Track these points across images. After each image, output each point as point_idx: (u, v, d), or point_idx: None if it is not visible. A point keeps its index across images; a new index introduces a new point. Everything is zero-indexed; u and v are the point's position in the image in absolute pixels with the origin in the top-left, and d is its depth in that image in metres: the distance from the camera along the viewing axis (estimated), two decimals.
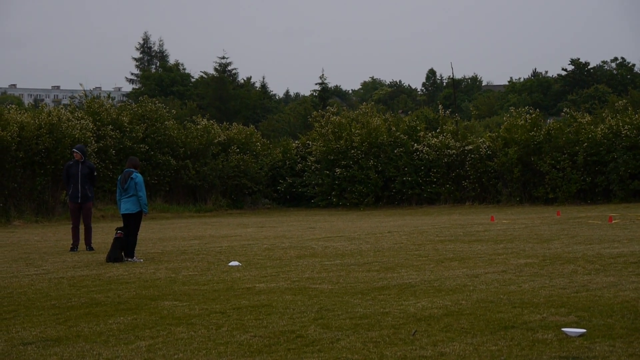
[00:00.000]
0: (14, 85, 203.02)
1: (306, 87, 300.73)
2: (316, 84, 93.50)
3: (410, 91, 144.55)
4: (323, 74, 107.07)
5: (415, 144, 48.04)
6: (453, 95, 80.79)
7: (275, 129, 78.91)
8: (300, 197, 50.80)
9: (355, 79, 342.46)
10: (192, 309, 12.80)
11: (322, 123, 49.87)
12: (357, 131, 48.20)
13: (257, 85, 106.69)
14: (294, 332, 10.91)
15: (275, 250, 22.40)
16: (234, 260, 19.39)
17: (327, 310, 12.41)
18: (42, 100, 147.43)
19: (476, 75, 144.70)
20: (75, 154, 23.47)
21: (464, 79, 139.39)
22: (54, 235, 30.19)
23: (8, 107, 42.69)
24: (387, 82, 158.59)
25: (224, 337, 10.68)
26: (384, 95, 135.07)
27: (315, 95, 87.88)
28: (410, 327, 10.97)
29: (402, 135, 48.23)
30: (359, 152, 47.73)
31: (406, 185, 47.55)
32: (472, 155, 46.85)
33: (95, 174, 23.69)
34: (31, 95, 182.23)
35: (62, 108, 43.65)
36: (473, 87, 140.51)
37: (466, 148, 47.18)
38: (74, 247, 23.16)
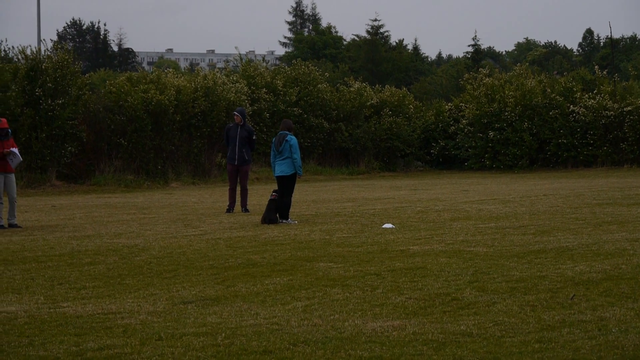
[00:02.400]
0: (171, 49, 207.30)
1: (459, 49, 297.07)
2: (469, 45, 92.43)
3: (565, 52, 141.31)
4: (476, 36, 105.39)
5: (571, 106, 47.03)
6: (611, 56, 78.60)
7: (428, 91, 78.24)
8: (453, 160, 50.42)
9: (509, 40, 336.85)
10: (347, 271, 12.86)
11: (475, 85, 49.31)
12: (510, 93, 47.47)
13: (409, 47, 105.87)
14: (449, 294, 10.85)
15: (428, 212, 22.32)
16: (388, 223, 19.39)
17: (482, 273, 12.30)
18: (198, 64, 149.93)
19: (635, 35, 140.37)
20: (235, 117, 23.79)
21: (622, 39, 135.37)
22: (210, 197, 30.77)
23: (165, 71, 43.59)
24: (542, 42, 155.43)
25: (379, 299, 10.70)
26: (538, 57, 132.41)
27: (467, 57, 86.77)
28: (568, 291, 10.78)
29: (557, 97, 47.26)
30: (512, 114, 47.03)
31: (561, 148, 46.64)
32: (631, 117, 45.60)
33: (254, 137, 23.95)
34: (187, 59, 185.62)
35: (217, 72, 44.34)
36: (632, 46, 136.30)
37: (625, 109, 45.94)
38: (230, 209, 23.54)
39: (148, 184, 37.78)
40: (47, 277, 12.96)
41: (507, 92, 47.65)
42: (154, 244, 16.64)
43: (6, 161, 20.34)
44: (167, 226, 20.22)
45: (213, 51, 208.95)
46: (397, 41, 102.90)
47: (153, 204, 27.46)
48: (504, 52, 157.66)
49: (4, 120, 20.76)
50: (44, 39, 40.03)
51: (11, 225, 20.31)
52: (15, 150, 20.38)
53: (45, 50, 37.72)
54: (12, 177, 20.72)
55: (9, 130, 20.66)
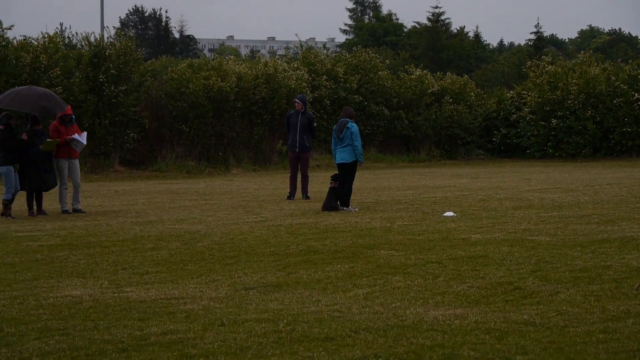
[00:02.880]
0: (231, 36, 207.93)
1: (521, 37, 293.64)
2: (531, 33, 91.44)
3: (630, 39, 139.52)
4: (538, 23, 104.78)
5: (636, 94, 46.36)
6: None
7: (489, 79, 77.73)
8: (515, 148, 50.01)
9: (572, 27, 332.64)
10: (408, 259, 12.84)
11: (537, 73, 48.85)
12: (573, 81, 46.95)
13: (471, 34, 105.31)
14: (511, 283, 10.78)
15: (490, 201, 22.18)
16: (449, 211, 19.31)
17: (545, 262, 12.21)
18: (258, 51, 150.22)
19: None
20: (296, 104, 23.82)
21: None
22: (270, 183, 30.88)
23: (227, 58, 43.78)
24: (606, 30, 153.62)
25: (441, 287, 10.67)
26: (602, 44, 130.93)
27: (530, 45, 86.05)
28: (633, 282, 10.66)
29: (622, 85, 46.60)
30: (575, 102, 46.51)
31: (626, 137, 46.02)
32: None
33: (315, 124, 23.96)
34: (247, 46, 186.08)
35: (278, 59, 44.45)
36: None
37: None
38: (291, 196, 23.59)
39: (209, 170, 38.03)
40: (110, 262, 13.11)
41: (570, 79, 47.14)
42: (216, 230, 16.74)
43: (70, 147, 20.59)
44: (228, 212, 20.33)
45: (273, 38, 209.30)
46: (459, 28, 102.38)
47: (214, 190, 27.63)
48: (566, 40, 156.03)
49: (68, 106, 21.02)
50: (107, 26, 40.52)
51: (75, 211, 20.56)
52: (77, 136, 20.55)
53: (108, 38, 38.14)
54: (76, 162, 20.96)
55: (73, 117, 20.93)
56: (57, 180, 20.61)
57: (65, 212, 20.45)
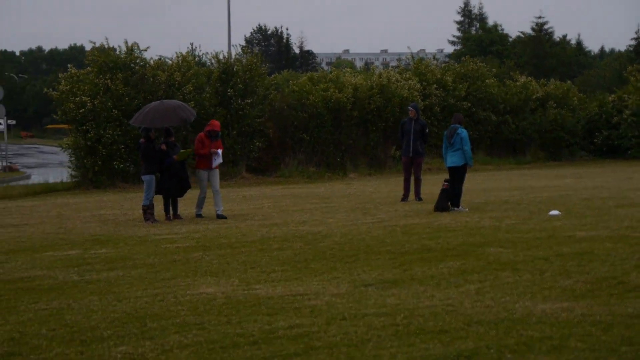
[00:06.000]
0: (347, 50, 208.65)
1: (621, 42, 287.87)
2: (632, 39, 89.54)
3: None
4: (639, 29, 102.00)
5: None
6: None
7: (591, 84, 76.24)
8: (616, 149, 48.99)
9: None
10: (516, 256, 12.70)
11: (638, 77, 47.77)
12: None
13: (573, 42, 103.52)
14: (615, 278, 10.58)
15: (593, 200, 21.77)
16: (554, 210, 19.02)
17: None
18: (372, 63, 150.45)
19: None
20: (410, 112, 23.75)
21: None
22: (385, 187, 30.84)
23: (343, 70, 43.94)
24: None
25: (548, 282, 10.53)
26: None
27: (630, 50, 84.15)
28: None
29: None
30: None
31: None
32: None
33: (427, 131, 23.84)
34: (362, 59, 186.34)
35: (391, 70, 44.42)
36: None
37: None
38: (405, 198, 23.54)
39: (328, 175, 38.18)
40: (240, 261, 13.28)
41: None
42: (336, 231, 16.80)
43: (211, 160, 20.67)
44: (347, 214, 20.38)
45: (386, 51, 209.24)
46: (561, 37, 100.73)
47: (334, 194, 27.72)
48: None
49: (216, 123, 21.01)
50: (234, 45, 41.09)
51: (218, 217, 20.39)
52: (219, 151, 20.69)
53: (235, 55, 38.66)
54: (216, 171, 20.89)
55: (219, 133, 20.97)
56: (191, 186, 20.92)
57: (198, 216, 20.68)
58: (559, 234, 14.99)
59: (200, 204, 20.85)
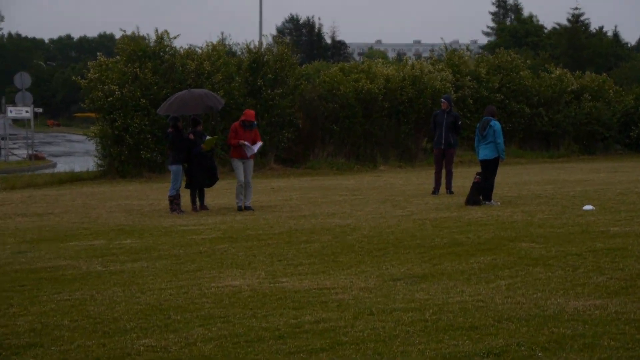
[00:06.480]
0: (379, 41, 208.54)
1: None
2: None
3: None
4: None
5: None
6: None
7: (628, 76, 75.59)
8: None
9: None
10: (548, 251, 12.58)
11: None
12: None
13: (609, 34, 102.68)
14: None
15: (628, 194, 21.56)
16: (588, 204, 18.86)
17: None
18: (405, 54, 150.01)
19: None
20: (442, 103, 23.64)
21: None
22: (416, 179, 30.73)
23: (375, 61, 43.79)
24: None
25: (581, 279, 10.42)
26: None
27: None
28: None
29: None
30: None
31: None
32: None
33: (460, 123, 23.70)
34: (394, 49, 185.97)
35: (424, 61, 44.22)
36: None
37: None
38: (436, 191, 23.44)
39: (358, 167, 38.09)
40: (267, 254, 13.25)
41: None
42: (365, 224, 16.74)
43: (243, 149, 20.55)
44: (376, 207, 20.31)
45: (419, 42, 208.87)
46: (597, 28, 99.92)
47: (363, 186, 27.65)
48: None
49: (251, 112, 20.85)
50: (265, 34, 41.01)
51: (246, 208, 20.37)
52: (248, 144, 20.41)
53: (266, 45, 38.63)
54: (250, 162, 20.78)
55: (254, 122, 20.78)
56: (219, 177, 20.94)
57: (240, 208, 20.42)
58: (592, 229, 14.85)
59: (239, 193, 20.69)
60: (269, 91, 36.34)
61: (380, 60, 46.13)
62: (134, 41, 35.42)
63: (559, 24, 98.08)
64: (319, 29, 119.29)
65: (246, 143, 20.32)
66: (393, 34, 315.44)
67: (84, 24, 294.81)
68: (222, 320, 8.79)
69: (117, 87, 33.63)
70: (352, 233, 15.44)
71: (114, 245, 14.69)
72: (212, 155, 20.88)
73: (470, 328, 8.18)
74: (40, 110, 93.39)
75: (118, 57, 35.34)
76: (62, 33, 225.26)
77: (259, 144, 20.73)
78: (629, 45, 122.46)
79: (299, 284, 10.66)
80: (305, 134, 38.23)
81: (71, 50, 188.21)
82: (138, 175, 33.62)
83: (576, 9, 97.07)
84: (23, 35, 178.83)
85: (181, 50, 36.63)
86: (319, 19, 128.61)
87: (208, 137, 20.75)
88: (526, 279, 10.55)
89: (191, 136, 20.35)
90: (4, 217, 20.23)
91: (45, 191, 28.43)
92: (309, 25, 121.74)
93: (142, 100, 33.67)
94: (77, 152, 64.01)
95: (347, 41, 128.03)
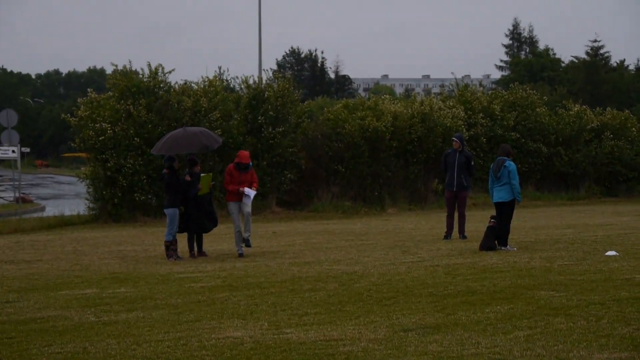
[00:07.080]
0: (386, 75, 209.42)
1: None
2: None
3: None
4: None
5: None
6: None
7: None
8: None
9: None
10: (569, 300, 12.60)
11: None
12: None
13: (631, 67, 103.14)
14: None
15: None
16: (611, 250, 18.88)
17: None
18: (413, 89, 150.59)
19: None
20: (454, 143, 23.73)
21: None
22: (426, 223, 30.77)
23: (382, 97, 43.97)
24: None
25: (605, 330, 10.43)
26: None
27: None
28: None
29: None
30: None
31: None
32: None
33: (472, 163, 23.79)
34: (402, 84, 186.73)
35: (433, 97, 44.38)
36: None
37: None
38: (448, 235, 23.47)
39: (365, 210, 38.12)
40: (270, 303, 13.28)
41: None
42: (373, 271, 16.77)
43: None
44: (385, 253, 20.34)
45: (428, 76, 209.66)
46: (618, 62, 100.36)
47: (370, 230, 27.69)
48: None
49: (244, 154, 20.78)
50: (265, 69, 41.23)
51: (244, 241, 20.42)
52: (247, 190, 20.43)
53: (266, 80, 38.79)
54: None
55: (249, 164, 20.70)
56: (218, 222, 21.02)
57: (241, 255, 20.47)
58: (616, 277, 14.87)
59: (238, 240, 20.74)
60: (269, 129, 36.49)
61: (387, 96, 46.33)
62: (127, 76, 35.63)
63: (577, 58, 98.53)
64: (322, 63, 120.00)
65: (245, 190, 20.30)
66: (400, 68, 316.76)
67: (73, 59, 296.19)
68: None
69: (109, 125, 33.80)
70: (360, 281, 15.47)
71: (108, 294, 14.72)
72: (211, 198, 20.96)
73: None
74: (27, 150, 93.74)
75: (110, 93, 35.54)
76: (50, 68, 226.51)
77: (254, 192, 20.59)
78: None
79: (304, 335, 10.69)
80: (309, 175, 38.32)
81: (59, 86, 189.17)
82: (132, 219, 33.69)
83: (595, 41, 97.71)
84: (9, 70, 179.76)
85: (176, 86, 36.79)
86: (322, 52, 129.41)
87: (202, 174, 20.77)
88: (546, 329, 10.57)
89: (188, 178, 20.42)
90: None
91: (33, 236, 28.50)
92: (312, 59, 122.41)
93: (135, 139, 33.81)
94: (66, 195, 64.10)
95: (352, 76, 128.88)
